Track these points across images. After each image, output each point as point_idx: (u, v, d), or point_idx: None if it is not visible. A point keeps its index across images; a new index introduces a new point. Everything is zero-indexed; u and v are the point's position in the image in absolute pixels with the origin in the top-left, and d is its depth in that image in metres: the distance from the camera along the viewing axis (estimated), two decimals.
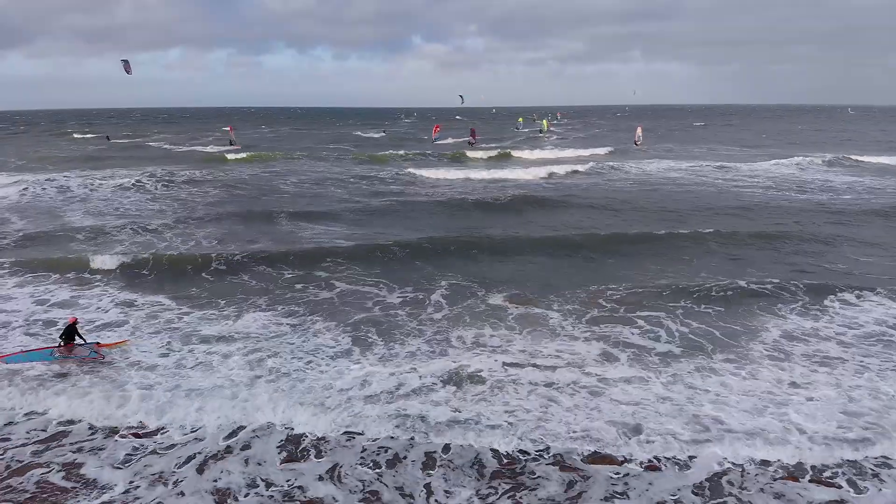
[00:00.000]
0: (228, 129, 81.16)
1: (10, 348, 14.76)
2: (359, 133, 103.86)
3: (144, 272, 20.80)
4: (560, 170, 47.35)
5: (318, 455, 10.40)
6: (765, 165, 49.92)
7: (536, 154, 61.28)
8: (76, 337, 14.46)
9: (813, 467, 10.03)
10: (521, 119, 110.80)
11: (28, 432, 11.14)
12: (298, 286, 19.35)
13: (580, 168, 48.44)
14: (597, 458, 10.23)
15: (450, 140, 79.10)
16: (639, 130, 74.27)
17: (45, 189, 38.05)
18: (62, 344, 14.33)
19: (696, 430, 10.88)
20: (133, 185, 39.96)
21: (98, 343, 14.75)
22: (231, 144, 72.33)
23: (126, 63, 46.65)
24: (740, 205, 32.94)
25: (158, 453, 10.50)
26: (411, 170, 47.01)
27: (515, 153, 61.78)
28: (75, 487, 9.65)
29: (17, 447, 10.67)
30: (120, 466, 10.13)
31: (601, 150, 63.03)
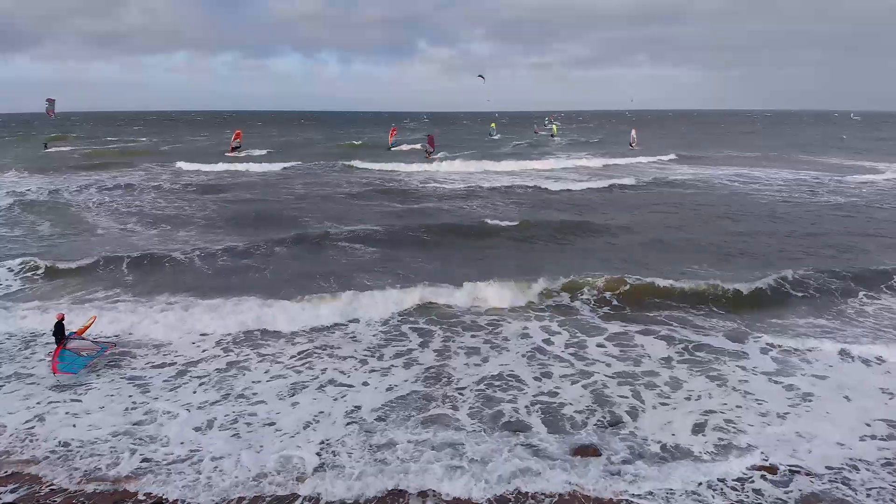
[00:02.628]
0: (235, 134, 72.01)
1: None
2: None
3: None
4: (627, 180, 44.89)
5: None
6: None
7: (600, 161, 58.72)
8: (64, 332, 14.67)
9: None
10: (493, 125, 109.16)
11: None
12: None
13: (656, 173, 47.46)
14: None
15: (405, 147, 75.79)
16: (634, 133, 78.49)
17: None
18: (56, 341, 14.55)
19: None
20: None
21: (75, 332, 15.09)
22: (234, 150, 66.36)
23: (50, 104, 46.44)
24: None
25: None
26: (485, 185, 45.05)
27: (581, 161, 58.58)
28: None
29: None
30: None
31: (666, 157, 62.21)
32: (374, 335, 16.00)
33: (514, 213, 32.09)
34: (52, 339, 14.66)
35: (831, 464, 10.39)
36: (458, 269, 21.42)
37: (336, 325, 16.67)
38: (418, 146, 74.67)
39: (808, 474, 10.11)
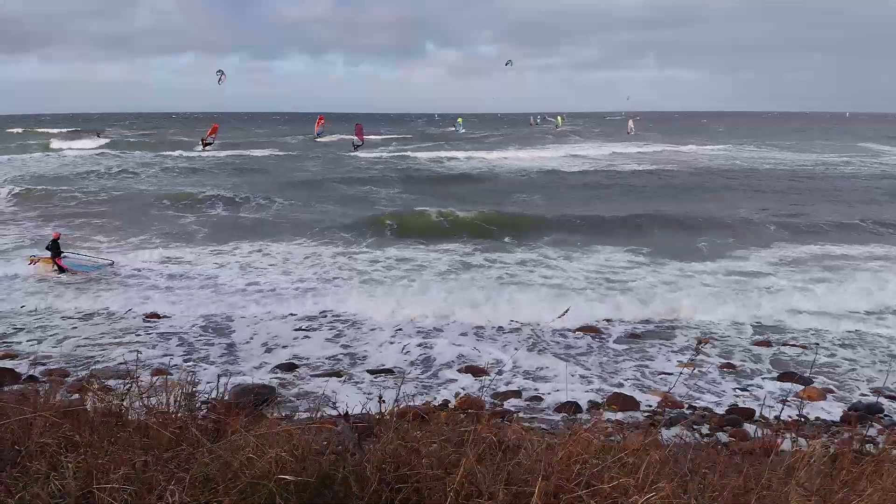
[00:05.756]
0: (212, 128, 65.15)
1: None
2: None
3: None
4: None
5: None
6: None
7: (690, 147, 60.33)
8: (59, 249, 16.00)
9: None
10: (460, 120, 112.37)
11: None
12: None
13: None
14: None
15: (335, 138, 75.11)
16: (631, 123, 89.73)
17: None
18: (51, 256, 15.81)
19: None
20: None
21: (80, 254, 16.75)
22: (206, 145, 61.07)
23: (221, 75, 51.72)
24: None
25: None
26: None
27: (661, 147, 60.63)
28: None
29: None
30: None
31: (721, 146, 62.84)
32: None
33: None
34: (49, 252, 15.87)
35: None
36: None
37: None
38: (338, 137, 73.97)
39: None
